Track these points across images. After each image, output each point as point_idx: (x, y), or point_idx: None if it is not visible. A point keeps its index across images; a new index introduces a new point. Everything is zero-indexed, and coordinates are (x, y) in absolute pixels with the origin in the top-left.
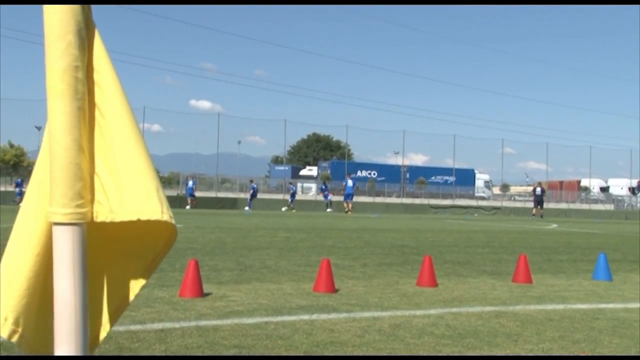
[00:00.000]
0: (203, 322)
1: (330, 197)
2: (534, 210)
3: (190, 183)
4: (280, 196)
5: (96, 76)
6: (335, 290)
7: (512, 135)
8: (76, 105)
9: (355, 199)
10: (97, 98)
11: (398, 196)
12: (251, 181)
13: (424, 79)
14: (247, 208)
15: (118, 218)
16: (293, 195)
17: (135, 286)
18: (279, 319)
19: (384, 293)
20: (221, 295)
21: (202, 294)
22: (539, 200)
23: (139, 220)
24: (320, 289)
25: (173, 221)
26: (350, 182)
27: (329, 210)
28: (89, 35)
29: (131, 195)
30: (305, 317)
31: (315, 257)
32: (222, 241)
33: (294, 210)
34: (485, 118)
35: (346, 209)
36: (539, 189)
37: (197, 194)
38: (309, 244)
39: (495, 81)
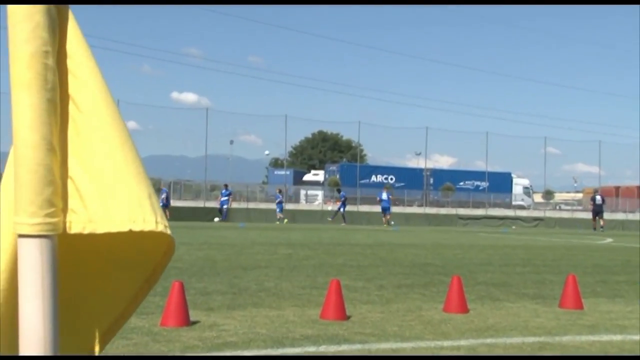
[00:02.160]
0: (190, 356)
1: (343, 208)
2: (597, 223)
3: (163, 193)
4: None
5: (70, 63)
6: (347, 318)
7: (557, 132)
8: (45, 97)
9: (368, 208)
10: (72, 89)
11: (420, 205)
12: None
13: (450, 66)
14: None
15: (101, 229)
16: (280, 204)
17: (136, 300)
18: (280, 351)
19: (405, 320)
20: (211, 324)
21: (188, 323)
22: (598, 211)
23: (130, 231)
24: (329, 316)
25: (169, 231)
26: (385, 195)
27: (343, 224)
28: (61, 16)
29: (118, 202)
30: (312, 349)
31: (323, 278)
32: (212, 259)
33: (285, 221)
34: (524, 112)
35: (384, 222)
36: (598, 197)
37: (181, 203)
38: (315, 262)
39: (535, 68)
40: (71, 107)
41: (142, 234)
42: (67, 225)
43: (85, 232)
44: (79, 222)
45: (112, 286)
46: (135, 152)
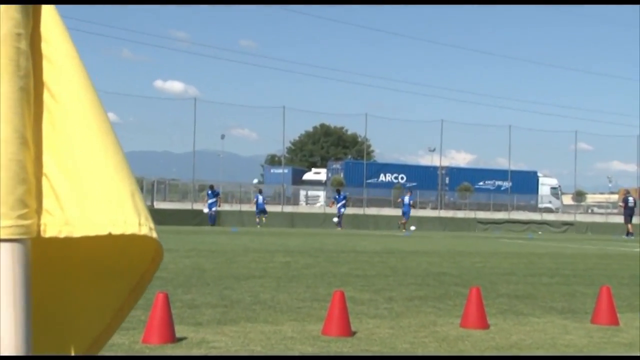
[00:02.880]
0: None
1: (343, 210)
2: (629, 227)
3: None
4: (277, 208)
5: (45, 47)
6: (352, 334)
7: (589, 125)
8: (18, 85)
9: (376, 211)
10: (47, 76)
11: (434, 207)
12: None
13: (467, 51)
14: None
15: (78, 232)
16: (259, 205)
17: (122, 312)
18: None
19: (417, 337)
20: (199, 341)
21: (173, 339)
22: (631, 214)
23: (111, 235)
24: (332, 332)
25: (155, 234)
26: (407, 199)
27: (338, 228)
28: None
29: (96, 202)
30: None
31: (325, 289)
32: (201, 268)
33: (264, 219)
34: (552, 102)
35: (401, 224)
36: (631, 199)
37: (166, 205)
38: (316, 270)
39: (564, 53)
40: (46, 97)
41: (125, 238)
42: (42, 228)
43: (62, 235)
44: (54, 225)
45: (94, 297)
46: (117, 146)
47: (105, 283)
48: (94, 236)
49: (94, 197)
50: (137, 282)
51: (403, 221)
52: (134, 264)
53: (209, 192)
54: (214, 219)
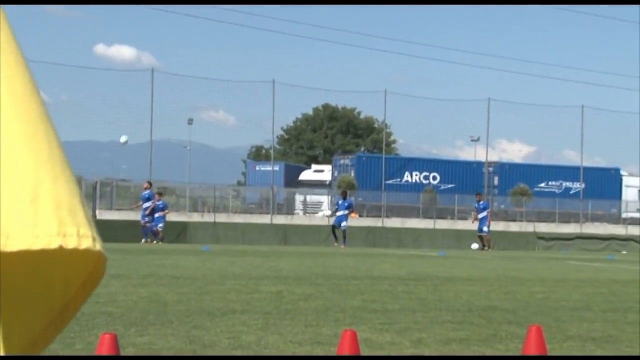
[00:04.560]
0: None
1: (346, 224)
2: None
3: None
4: (265, 218)
5: None
6: None
7: None
8: None
9: (400, 222)
10: None
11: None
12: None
13: (520, 7)
14: (203, 247)
15: (11, 246)
16: (150, 214)
17: (35, 347)
18: None
19: None
20: None
21: None
22: None
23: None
24: None
25: (98, 246)
26: (482, 203)
27: (336, 244)
28: None
29: (7, 209)
30: None
31: (330, 328)
32: (161, 300)
33: (157, 243)
34: (635, 74)
35: (484, 245)
36: None
37: (113, 214)
38: (318, 304)
39: None
40: None
41: (48, 253)
42: None
43: None
44: None
45: (12, 316)
46: (51, 130)
47: (26, 299)
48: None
49: (7, 202)
50: (67, 302)
51: (486, 236)
52: (65, 278)
53: (158, 201)
54: (154, 233)
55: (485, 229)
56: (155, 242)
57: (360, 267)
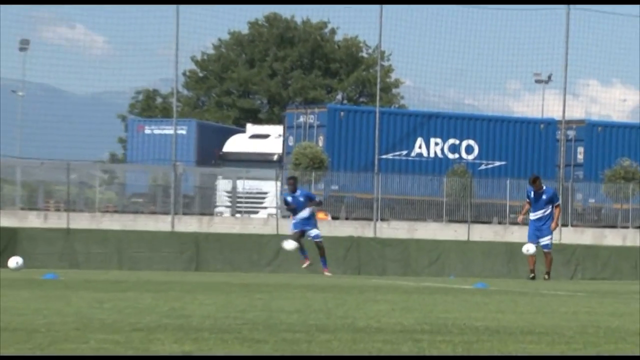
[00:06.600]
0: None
1: (318, 232)
2: None
3: None
4: (162, 222)
5: None
6: None
7: None
8: None
9: (409, 229)
10: None
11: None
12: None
13: None
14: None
15: None
16: None
17: None
18: None
19: None
20: None
21: None
22: None
23: None
24: None
25: None
26: (546, 192)
27: (306, 264)
28: None
29: None
30: None
31: None
32: None
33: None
34: None
35: (533, 270)
36: None
37: None
38: None
39: None
40: None
41: None
42: None
43: None
44: None
45: None
46: None
47: None
48: None
49: None
50: None
51: (548, 253)
52: None
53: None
54: None
55: (548, 239)
56: None
57: (335, 310)
